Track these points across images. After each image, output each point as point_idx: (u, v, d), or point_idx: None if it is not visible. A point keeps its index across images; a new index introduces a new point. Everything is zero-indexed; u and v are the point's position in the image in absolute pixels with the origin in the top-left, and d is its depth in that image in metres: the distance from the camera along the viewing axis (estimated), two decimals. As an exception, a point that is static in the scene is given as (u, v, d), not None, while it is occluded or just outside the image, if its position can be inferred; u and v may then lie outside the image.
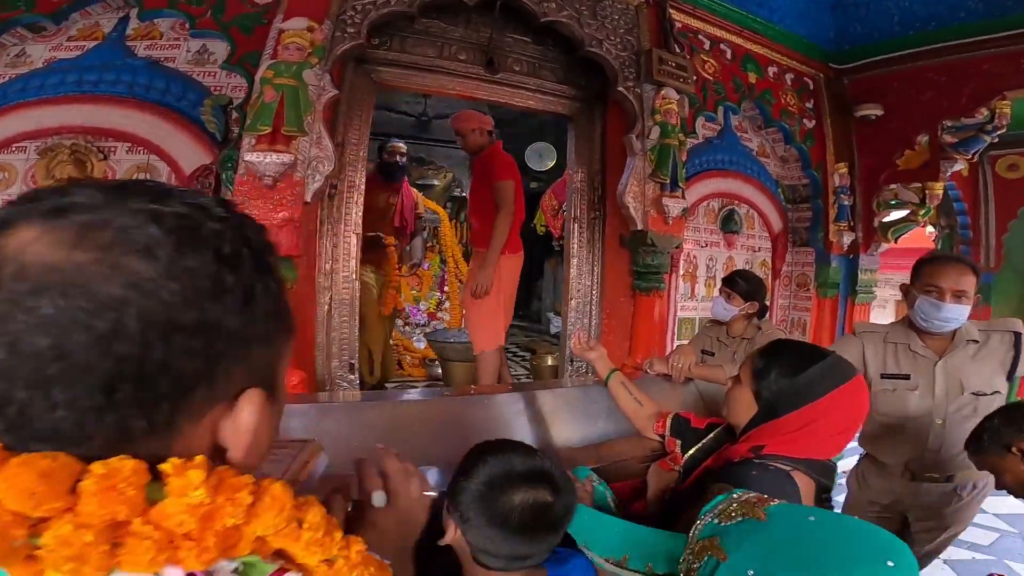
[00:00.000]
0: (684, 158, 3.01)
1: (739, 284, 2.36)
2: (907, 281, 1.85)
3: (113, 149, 2.32)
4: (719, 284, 3.72)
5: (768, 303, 2.57)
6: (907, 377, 1.80)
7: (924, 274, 1.76)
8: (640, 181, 2.84)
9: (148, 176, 2.34)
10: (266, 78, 2.10)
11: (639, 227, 2.83)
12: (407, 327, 4.57)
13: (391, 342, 3.84)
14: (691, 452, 1.40)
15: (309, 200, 2.18)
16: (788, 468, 1.10)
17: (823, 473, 1.12)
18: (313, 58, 2.16)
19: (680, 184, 2.89)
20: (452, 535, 0.86)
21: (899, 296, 1.95)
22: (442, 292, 4.82)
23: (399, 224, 3.84)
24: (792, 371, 1.12)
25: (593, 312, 3.05)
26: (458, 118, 3.00)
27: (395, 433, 1.89)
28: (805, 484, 1.09)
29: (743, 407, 1.20)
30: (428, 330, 4.47)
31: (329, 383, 2.54)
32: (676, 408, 1.67)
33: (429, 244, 4.94)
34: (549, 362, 3.59)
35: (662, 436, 1.57)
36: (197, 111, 2.31)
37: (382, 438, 1.42)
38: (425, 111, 5.74)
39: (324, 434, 1.91)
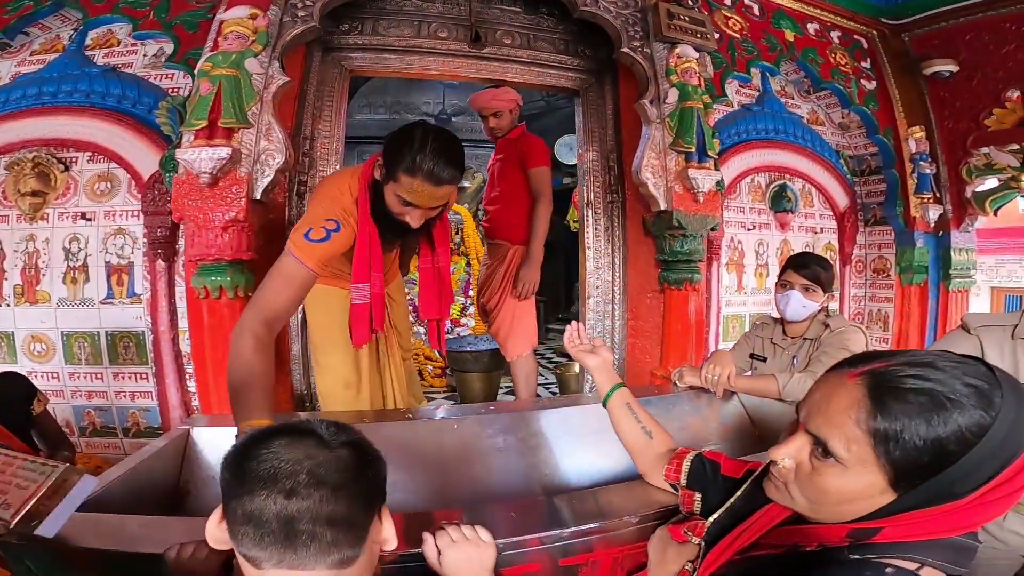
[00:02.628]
0: (712, 123, 2.42)
1: (821, 272, 1.75)
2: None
3: (75, 160, 2.15)
4: (775, 274, 3.13)
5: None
6: None
7: None
8: (659, 153, 2.29)
9: (109, 184, 2.11)
10: (203, 71, 1.83)
11: (662, 207, 2.26)
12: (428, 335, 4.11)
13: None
14: (716, 516, 0.85)
15: (260, 197, 1.84)
16: (915, 566, 0.59)
17: (959, 558, 0.60)
18: (256, 45, 1.87)
19: (710, 153, 2.30)
20: (213, 528, 0.60)
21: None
22: (467, 297, 4.32)
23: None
24: (972, 428, 0.55)
25: (616, 312, 2.50)
26: (494, 96, 2.43)
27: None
28: None
29: (861, 499, 0.61)
30: (451, 336, 4.00)
31: (310, 400, 2.16)
32: (712, 436, 1.13)
33: (452, 246, 4.49)
34: (577, 370, 3.05)
35: (675, 486, 1.02)
36: (153, 115, 2.09)
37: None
38: (444, 110, 5.38)
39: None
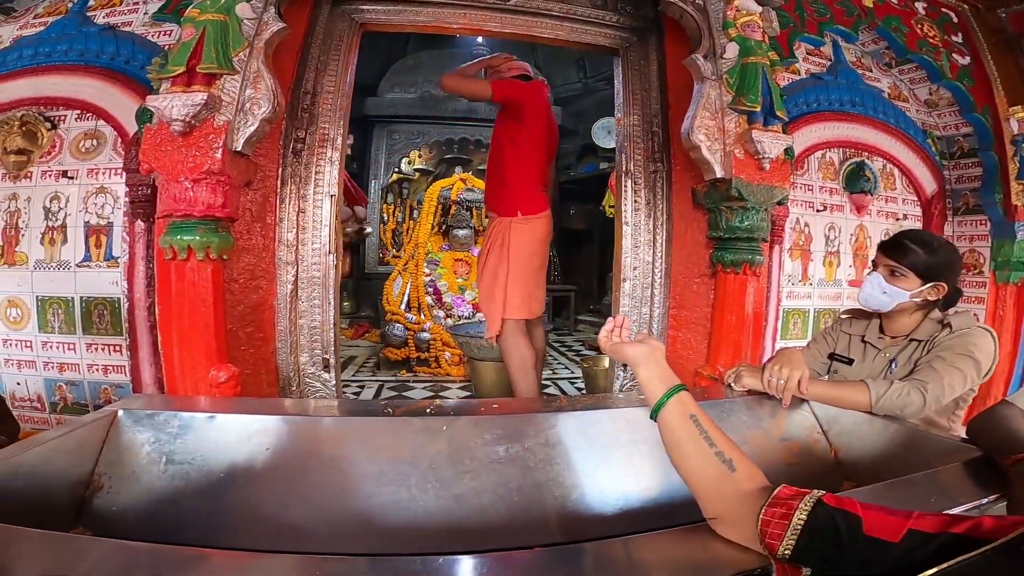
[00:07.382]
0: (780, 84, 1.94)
1: (912, 252, 1.28)
2: None
3: (63, 118, 1.94)
4: (847, 263, 2.59)
5: (960, 285, 1.40)
6: None
7: None
8: (715, 113, 1.83)
9: (95, 142, 1.86)
10: (188, 17, 1.55)
11: (718, 175, 1.79)
12: (449, 319, 3.67)
13: None
14: None
15: (242, 149, 1.51)
16: None
17: None
18: (251, -10, 1.56)
19: (779, 114, 1.81)
20: None
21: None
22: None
23: None
24: None
25: (656, 298, 2.03)
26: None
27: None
28: None
29: None
30: (462, 322, 3.57)
31: (297, 384, 1.82)
32: (776, 455, 0.74)
33: (479, 227, 4.06)
34: (607, 364, 2.60)
35: (780, 555, 0.57)
36: (145, 71, 1.85)
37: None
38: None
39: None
